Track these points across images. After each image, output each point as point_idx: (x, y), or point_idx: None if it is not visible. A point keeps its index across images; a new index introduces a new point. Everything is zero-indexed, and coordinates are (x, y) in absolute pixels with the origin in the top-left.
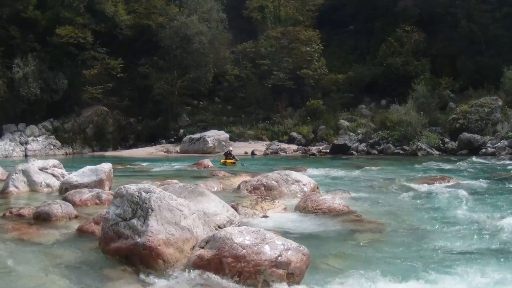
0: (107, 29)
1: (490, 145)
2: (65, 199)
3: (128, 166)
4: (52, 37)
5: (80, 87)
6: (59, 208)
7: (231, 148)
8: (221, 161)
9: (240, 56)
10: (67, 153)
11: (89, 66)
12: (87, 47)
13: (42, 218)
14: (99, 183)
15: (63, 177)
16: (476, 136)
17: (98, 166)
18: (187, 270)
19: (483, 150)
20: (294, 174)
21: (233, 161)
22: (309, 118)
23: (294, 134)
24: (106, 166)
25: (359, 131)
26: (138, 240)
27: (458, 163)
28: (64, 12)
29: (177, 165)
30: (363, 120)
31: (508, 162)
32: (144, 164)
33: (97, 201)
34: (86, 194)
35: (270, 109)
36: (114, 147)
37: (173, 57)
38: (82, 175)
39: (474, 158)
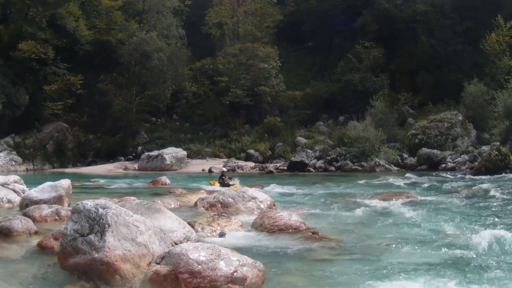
0: (68, 45)
1: (450, 160)
2: (25, 214)
3: (87, 183)
4: (14, 52)
5: (41, 103)
6: (19, 223)
7: (225, 169)
8: (212, 182)
9: (198, 73)
10: (28, 169)
11: (50, 81)
12: (48, 63)
13: (3, 233)
14: (58, 199)
15: (23, 193)
16: (435, 151)
17: (57, 182)
18: (144, 286)
19: (443, 165)
20: (250, 191)
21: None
22: (266, 135)
23: (252, 151)
24: (65, 183)
25: (316, 148)
26: (96, 255)
27: (416, 178)
28: (26, 27)
29: (135, 182)
30: (320, 137)
31: (467, 176)
32: (102, 181)
33: (57, 217)
34: (46, 210)
35: (227, 126)
36: (74, 163)
37: (132, 73)
38: (42, 191)
39: (433, 174)
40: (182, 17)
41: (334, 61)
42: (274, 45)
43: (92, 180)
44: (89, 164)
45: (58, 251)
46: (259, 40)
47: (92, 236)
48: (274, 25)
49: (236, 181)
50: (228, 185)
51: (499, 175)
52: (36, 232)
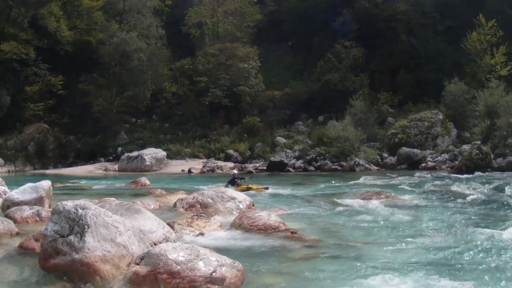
0: (49, 45)
1: (430, 159)
2: (7, 216)
3: (67, 184)
4: None
5: (23, 104)
6: (0, 225)
7: (235, 171)
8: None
9: (178, 73)
10: (10, 171)
11: (31, 82)
12: (30, 63)
13: None
14: (39, 201)
15: (5, 195)
16: (415, 150)
17: (38, 183)
18: (123, 286)
19: (423, 164)
20: (229, 191)
21: (256, 186)
22: (245, 135)
23: (231, 151)
24: (46, 184)
25: (296, 148)
26: (76, 256)
27: (396, 178)
28: (8, 28)
29: (115, 183)
30: (300, 136)
31: (448, 175)
32: (83, 182)
33: (37, 218)
34: (27, 211)
35: (207, 126)
36: (55, 165)
37: (112, 74)
38: (23, 192)
39: (413, 173)
40: (162, 17)
41: (313, 61)
42: (254, 44)
43: (72, 181)
44: (70, 165)
45: (39, 252)
46: (238, 39)
47: (72, 237)
48: (254, 24)
49: (248, 181)
50: (249, 189)
51: (480, 174)
52: (17, 234)
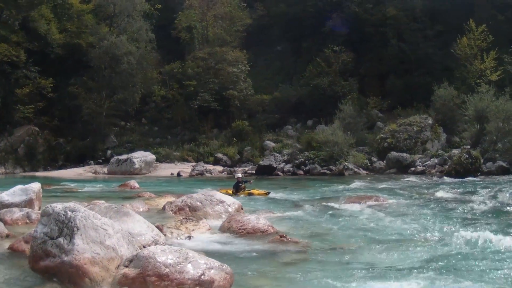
0: (39, 48)
1: (420, 163)
2: None
3: (57, 186)
4: None
5: (13, 106)
6: None
7: (239, 175)
8: (230, 191)
9: (167, 76)
10: (0, 173)
11: (22, 85)
12: (20, 66)
13: None
14: (29, 203)
15: None
16: (404, 154)
17: (27, 185)
18: None
19: (412, 169)
20: (218, 195)
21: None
22: (234, 139)
23: (220, 155)
24: (36, 186)
25: (284, 152)
26: (65, 258)
27: (385, 182)
28: None
29: (104, 186)
30: (289, 141)
31: (436, 180)
32: (73, 185)
33: (27, 221)
34: (17, 213)
35: (196, 130)
36: (45, 167)
37: (102, 77)
38: (13, 194)
39: (402, 177)
40: (152, 21)
41: (303, 65)
42: (243, 49)
43: (62, 183)
44: (60, 167)
45: (29, 254)
46: (228, 44)
47: (61, 239)
48: (243, 29)
49: (253, 184)
50: (250, 194)
51: (469, 178)
52: (7, 236)
